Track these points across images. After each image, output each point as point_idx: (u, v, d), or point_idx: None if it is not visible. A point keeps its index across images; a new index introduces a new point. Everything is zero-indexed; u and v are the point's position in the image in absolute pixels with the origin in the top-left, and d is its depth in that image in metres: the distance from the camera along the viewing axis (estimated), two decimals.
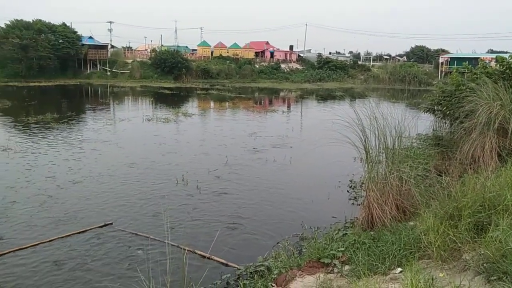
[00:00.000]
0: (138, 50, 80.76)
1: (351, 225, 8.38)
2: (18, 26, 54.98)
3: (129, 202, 10.54)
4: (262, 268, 6.66)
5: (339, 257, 6.22)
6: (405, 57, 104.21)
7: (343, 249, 6.40)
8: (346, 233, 7.61)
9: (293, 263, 6.41)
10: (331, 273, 5.87)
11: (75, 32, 61.74)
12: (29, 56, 53.88)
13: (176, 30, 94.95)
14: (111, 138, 19.47)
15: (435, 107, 12.97)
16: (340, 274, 5.74)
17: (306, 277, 5.91)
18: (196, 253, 7.30)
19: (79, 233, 8.53)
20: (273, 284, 5.88)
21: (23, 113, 26.34)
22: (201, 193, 11.40)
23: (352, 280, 5.05)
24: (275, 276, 6.16)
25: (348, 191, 11.77)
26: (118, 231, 8.66)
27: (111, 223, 9.01)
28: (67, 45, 58.54)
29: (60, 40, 58.18)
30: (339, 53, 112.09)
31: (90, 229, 8.72)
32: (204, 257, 7.26)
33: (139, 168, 13.85)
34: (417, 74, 68.97)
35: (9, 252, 7.62)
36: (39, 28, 56.53)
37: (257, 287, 5.71)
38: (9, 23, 55.91)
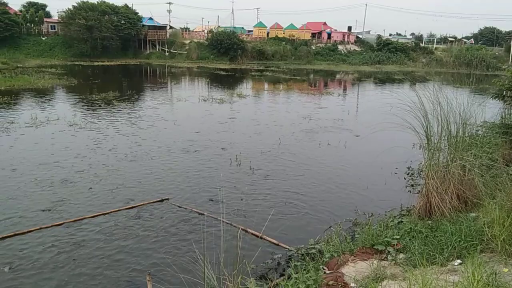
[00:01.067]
0: (196, 31, 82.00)
1: (407, 213, 8.11)
2: (84, 8, 57.56)
3: (185, 179, 10.85)
4: (313, 251, 6.64)
5: (394, 244, 6.07)
6: (472, 39, 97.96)
7: (398, 236, 6.23)
8: (402, 221, 7.39)
9: (345, 248, 6.34)
10: (384, 260, 5.74)
11: (136, 13, 63.70)
12: (94, 37, 56.43)
13: (233, 11, 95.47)
14: (168, 116, 20.07)
15: (505, 92, 12.10)
16: (394, 262, 5.60)
17: (358, 262, 5.83)
18: (248, 231, 7.40)
19: (137, 206, 8.91)
20: (325, 268, 5.86)
21: (87, 91, 27.78)
22: (254, 173, 11.50)
23: (408, 269, 4.90)
24: (327, 259, 6.12)
25: (405, 178, 11.39)
26: (175, 207, 8.95)
27: (168, 199, 9.34)
28: (129, 26, 60.61)
29: (122, 21, 60.31)
30: (399, 34, 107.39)
31: (148, 203, 9.09)
32: (257, 236, 7.35)
33: (194, 146, 14.19)
34: (485, 58, 64.69)
35: (74, 220, 8.12)
36: (103, 10, 58.86)
37: (309, 269, 5.70)
38: (76, 5, 58.62)
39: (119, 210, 8.64)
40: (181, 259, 6.22)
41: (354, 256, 6.05)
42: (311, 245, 6.91)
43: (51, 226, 7.83)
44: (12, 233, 7.46)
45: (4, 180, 10.28)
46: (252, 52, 66.32)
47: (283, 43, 72.31)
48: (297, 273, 5.60)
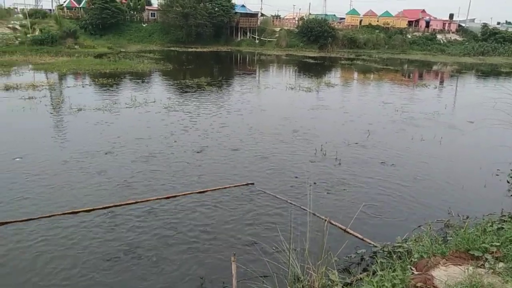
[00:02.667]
0: (286, 19, 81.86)
1: (510, 219, 7.39)
2: None
3: (271, 166, 10.94)
4: (400, 249, 6.34)
5: (493, 252, 5.56)
6: None
7: (498, 244, 5.69)
8: (503, 227, 6.74)
9: (436, 250, 5.94)
10: (481, 267, 5.29)
11: (229, 1, 65.26)
12: (189, 24, 58.99)
13: None
14: (256, 103, 20.39)
15: None
16: (492, 270, 5.14)
17: (450, 266, 5.44)
18: (333, 224, 7.27)
19: (222, 188, 9.18)
20: (413, 268, 5.56)
21: (181, 76, 29.20)
22: (341, 164, 11.24)
23: (508, 280, 4.47)
24: (415, 260, 5.79)
25: (508, 181, 10.37)
26: (260, 192, 9.08)
27: (253, 183, 9.50)
28: (222, 13, 62.34)
29: (216, 9, 62.17)
30: (509, 23, 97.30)
31: (234, 186, 9.33)
32: (342, 229, 7.22)
33: (281, 134, 14.25)
34: None
35: (156, 199, 8.59)
36: None
37: (395, 268, 5.45)
38: None
39: (205, 192, 8.97)
40: (266, 244, 6.31)
41: (446, 260, 5.65)
42: (398, 243, 6.60)
43: (147, 200, 8.37)
44: (124, 202, 8.12)
45: (107, 153, 11.21)
46: (343, 40, 64.70)
47: (377, 31, 69.46)
48: (382, 270, 5.38)
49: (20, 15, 54.82)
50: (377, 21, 73.32)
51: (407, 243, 6.54)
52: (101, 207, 7.97)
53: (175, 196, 8.65)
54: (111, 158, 10.96)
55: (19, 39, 44.47)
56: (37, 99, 18.57)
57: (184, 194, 8.76)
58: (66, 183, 9.16)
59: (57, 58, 36.31)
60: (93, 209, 7.87)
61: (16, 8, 64.82)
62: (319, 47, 61.88)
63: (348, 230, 7.17)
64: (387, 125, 16.24)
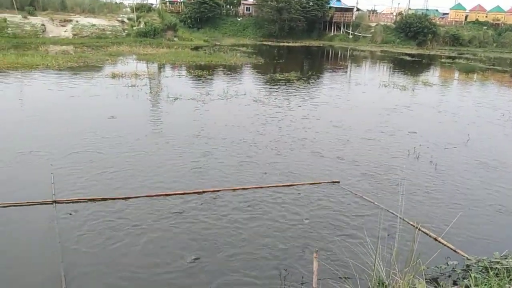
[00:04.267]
0: (383, 14, 78.70)
1: None
2: None
3: (359, 165, 10.63)
4: (498, 265, 5.77)
5: None
6: None
7: None
8: None
9: None
10: None
11: None
12: (282, 18, 59.38)
13: None
14: (346, 98, 19.96)
15: None
16: None
17: None
18: (422, 231, 6.85)
19: (306, 184, 9.12)
20: None
21: (272, 70, 29.50)
22: (436, 169, 10.55)
23: None
24: None
25: None
26: (345, 191, 8.87)
27: (338, 182, 9.30)
28: (316, 8, 61.77)
29: (310, 3, 61.77)
30: None
31: (318, 183, 9.21)
32: (432, 238, 6.79)
33: (371, 131, 13.81)
34: None
35: (242, 188, 8.76)
36: None
37: (491, 285, 4.99)
38: None
39: (289, 185, 8.98)
40: (350, 244, 6.15)
41: None
42: (496, 259, 6.02)
43: (233, 189, 8.61)
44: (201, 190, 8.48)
45: (197, 139, 11.74)
46: (444, 37, 60.61)
47: (484, 27, 63.99)
48: (476, 286, 4.96)
49: (128, 9, 59.37)
50: (486, 16, 67.46)
51: (506, 260, 5.95)
52: (192, 191, 8.36)
53: (260, 188, 8.78)
54: (202, 143, 11.46)
55: (126, 31, 48.22)
56: (138, 87, 20.01)
57: (269, 187, 8.85)
58: (160, 163, 9.77)
59: (158, 49, 38.74)
60: (169, 194, 8.28)
61: (124, 3, 70.37)
62: (417, 44, 58.65)
63: (440, 239, 6.71)
64: (490, 129, 14.90)
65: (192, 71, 26.52)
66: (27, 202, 7.58)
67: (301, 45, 55.95)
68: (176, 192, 8.30)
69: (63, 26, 45.06)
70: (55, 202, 7.63)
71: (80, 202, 7.74)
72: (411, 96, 21.74)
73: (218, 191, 8.51)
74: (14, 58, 26.08)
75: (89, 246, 6.36)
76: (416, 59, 45.07)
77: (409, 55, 48.47)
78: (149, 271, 5.82)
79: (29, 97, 17.30)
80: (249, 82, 24.44)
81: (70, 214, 7.29)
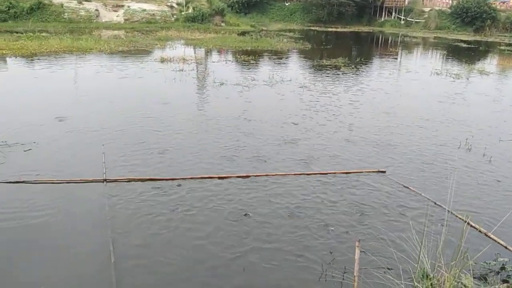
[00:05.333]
0: None
1: None
2: None
3: (406, 154, 10.34)
4: None
5: None
6: None
7: None
8: None
9: None
10: None
11: None
12: (331, 3, 57.95)
13: None
14: (395, 86, 19.38)
15: None
16: None
17: None
18: (471, 225, 6.59)
19: (350, 172, 8.97)
20: None
21: (319, 55, 29.03)
22: (490, 162, 10.04)
23: None
24: None
25: None
26: (391, 181, 8.65)
27: (384, 171, 9.09)
28: None
29: None
30: None
31: (363, 171, 9.06)
32: (482, 233, 6.52)
33: (421, 120, 13.38)
34: None
35: (284, 174, 8.76)
36: None
37: None
38: None
39: (333, 173, 8.89)
40: (394, 235, 6.02)
41: None
42: None
43: (275, 175, 8.64)
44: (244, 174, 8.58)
45: (243, 123, 11.84)
46: (504, 23, 56.94)
47: None
48: None
49: None
50: None
51: None
52: (236, 175, 8.47)
53: (300, 174, 8.76)
54: (246, 126, 11.56)
55: (174, 16, 48.95)
56: (186, 71, 20.35)
57: (312, 174, 8.81)
58: (208, 144, 9.97)
59: (205, 34, 39.08)
60: (222, 177, 8.41)
61: None
62: (474, 30, 55.53)
63: (490, 234, 6.43)
64: None
65: (238, 57, 26.59)
66: (80, 180, 7.99)
67: (349, 31, 54.51)
68: (227, 176, 8.43)
69: (115, 11, 46.42)
70: (105, 180, 7.98)
71: (130, 181, 8.05)
72: (465, 85, 20.73)
73: (266, 175, 8.57)
74: (70, 42, 27.22)
75: (137, 224, 6.62)
76: (472, 46, 42.78)
77: (464, 42, 46.04)
78: (197, 252, 5.99)
79: (83, 78, 18.07)
80: (295, 67, 24.21)
81: (119, 193, 7.61)
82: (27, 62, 21.39)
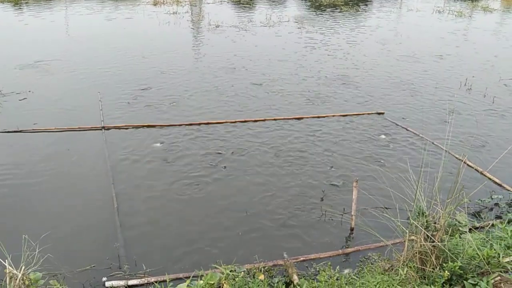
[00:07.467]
0: None
1: None
2: None
3: (407, 96, 10.29)
4: None
5: None
6: None
7: None
8: None
9: None
10: None
11: None
12: None
13: None
14: (395, 26, 18.97)
15: None
16: None
17: None
18: (468, 164, 6.67)
19: (350, 115, 8.97)
20: None
21: None
22: (494, 103, 9.98)
23: None
24: None
25: None
26: (389, 122, 8.66)
27: (383, 113, 9.07)
28: None
29: None
30: None
31: (362, 113, 9.04)
32: (478, 171, 6.62)
33: (421, 60, 13.21)
34: None
35: (283, 119, 8.75)
36: None
37: None
38: None
39: (332, 116, 8.88)
40: (391, 175, 6.08)
41: None
42: None
43: (274, 119, 8.64)
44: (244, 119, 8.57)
45: (246, 63, 11.69)
46: None
47: None
48: None
49: None
50: None
51: None
52: (233, 120, 8.47)
53: (301, 118, 8.74)
54: (242, 71, 11.41)
55: None
56: (180, 14, 19.74)
57: (312, 117, 8.80)
58: (205, 90, 9.89)
59: None
60: (213, 123, 8.41)
61: None
62: None
63: (485, 173, 6.53)
64: None
65: None
66: (79, 128, 7.97)
67: None
68: (221, 121, 8.42)
69: None
70: (103, 128, 7.97)
71: (128, 128, 8.05)
72: (468, 23, 20.18)
73: (263, 120, 8.56)
74: None
75: (136, 169, 6.70)
76: None
77: None
78: (192, 191, 6.09)
79: (73, 23, 17.53)
80: (294, 8, 23.42)
81: (118, 139, 7.63)
82: (14, 6, 20.68)
